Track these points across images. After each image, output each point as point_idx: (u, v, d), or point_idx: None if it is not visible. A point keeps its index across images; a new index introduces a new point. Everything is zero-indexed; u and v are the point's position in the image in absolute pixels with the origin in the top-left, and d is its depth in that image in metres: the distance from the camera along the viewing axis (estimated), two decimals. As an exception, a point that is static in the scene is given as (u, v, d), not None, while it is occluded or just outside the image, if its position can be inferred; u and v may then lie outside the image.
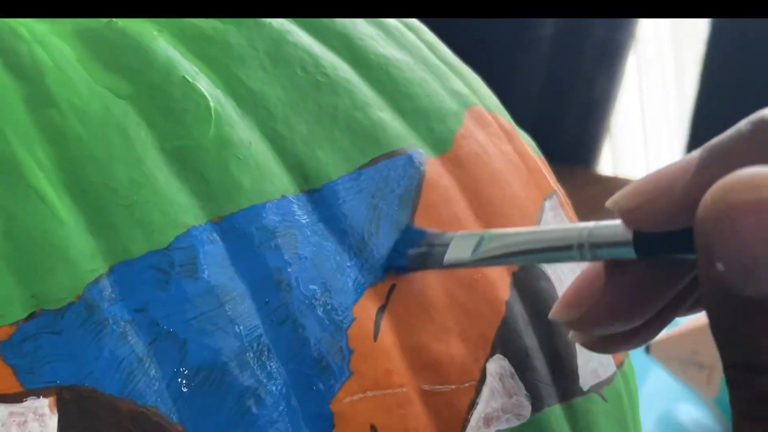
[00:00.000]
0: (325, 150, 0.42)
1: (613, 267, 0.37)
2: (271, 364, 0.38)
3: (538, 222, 0.46)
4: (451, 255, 0.40)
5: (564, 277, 0.45)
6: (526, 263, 0.43)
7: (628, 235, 0.34)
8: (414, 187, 0.42)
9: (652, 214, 0.33)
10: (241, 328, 0.38)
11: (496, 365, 0.42)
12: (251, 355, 0.38)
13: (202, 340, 0.37)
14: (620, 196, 0.34)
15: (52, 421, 0.35)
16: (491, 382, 0.41)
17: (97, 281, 0.37)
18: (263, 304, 0.38)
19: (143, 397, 0.36)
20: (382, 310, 0.40)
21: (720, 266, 0.29)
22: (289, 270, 0.39)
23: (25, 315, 0.36)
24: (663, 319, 0.38)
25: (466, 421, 0.41)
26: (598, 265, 0.37)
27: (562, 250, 0.36)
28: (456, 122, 0.46)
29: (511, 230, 0.40)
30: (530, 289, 0.44)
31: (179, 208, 0.39)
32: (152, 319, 0.37)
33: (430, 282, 0.41)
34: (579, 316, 0.37)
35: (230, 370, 0.37)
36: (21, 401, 0.35)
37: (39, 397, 0.36)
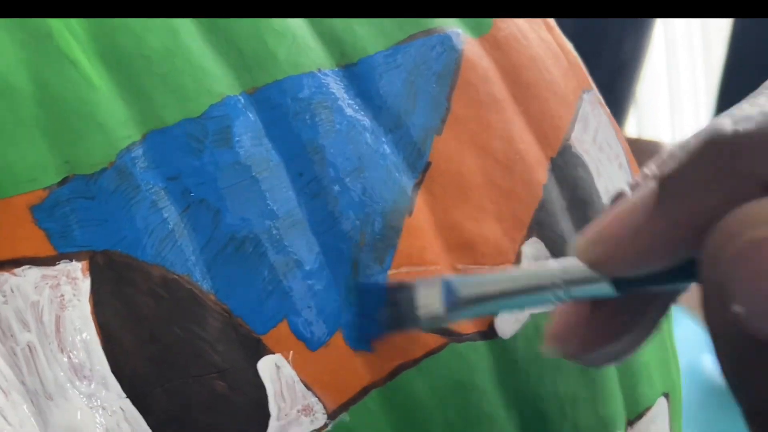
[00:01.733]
0: (363, 25, 0.41)
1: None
2: (305, 236, 0.38)
3: (576, 112, 0.45)
4: (423, 311, 0.36)
5: (602, 167, 0.45)
6: (502, 311, 0.40)
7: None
8: (452, 65, 0.42)
9: (622, 261, 0.31)
10: (274, 199, 0.38)
11: (532, 248, 0.42)
12: (284, 227, 0.38)
13: (234, 210, 0.37)
14: (584, 245, 0.32)
15: (85, 284, 0.36)
16: (526, 264, 0.41)
17: (130, 148, 0.37)
18: (297, 176, 0.38)
19: (176, 264, 0.36)
20: (417, 186, 0.40)
21: (737, 308, 0.27)
22: (323, 143, 0.39)
23: (58, 180, 0.36)
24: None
25: (500, 302, 0.40)
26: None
27: (537, 292, 0.34)
28: (495, 4, 0.45)
29: (478, 276, 0.37)
30: (568, 176, 0.44)
31: (214, 78, 0.38)
32: (185, 187, 0.37)
33: (467, 160, 0.41)
34: (572, 351, 0.35)
35: (263, 240, 0.37)
36: (54, 264, 0.36)
37: (72, 261, 0.36)
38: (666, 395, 0.48)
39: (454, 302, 0.35)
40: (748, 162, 0.28)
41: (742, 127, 0.28)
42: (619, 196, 0.32)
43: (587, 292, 0.32)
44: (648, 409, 0.46)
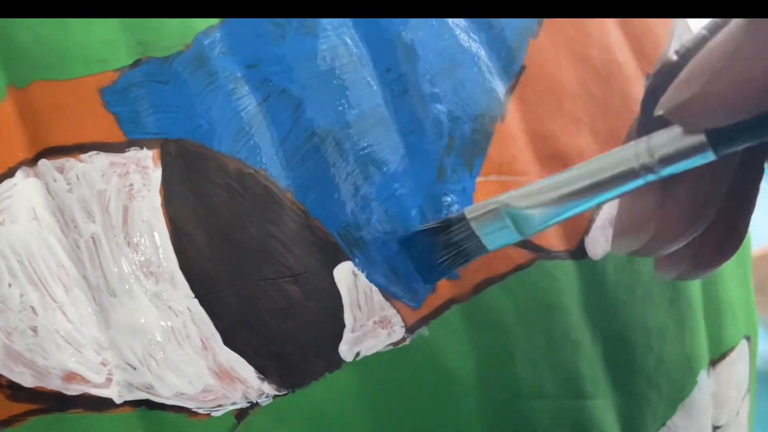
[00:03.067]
0: None
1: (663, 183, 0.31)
2: (390, 135, 0.35)
3: (672, 30, 0.42)
4: (490, 240, 0.34)
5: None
6: (584, 209, 0.34)
7: (697, 137, 0.29)
8: None
9: (717, 102, 0.27)
10: (359, 94, 0.35)
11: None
12: (369, 124, 0.35)
13: (317, 104, 0.35)
14: (670, 97, 0.29)
15: (156, 173, 0.33)
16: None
17: (207, 32, 0.34)
18: (384, 72, 0.36)
19: (252, 157, 0.34)
20: (510, 91, 0.37)
21: None
22: (413, 37, 0.36)
23: (130, 61, 0.34)
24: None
25: (591, 220, 0.38)
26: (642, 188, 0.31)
27: (623, 178, 0.30)
28: None
29: (538, 183, 0.33)
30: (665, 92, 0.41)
31: None
32: (265, 75, 0.34)
33: (563, 67, 0.38)
34: (642, 245, 0.32)
35: (344, 139, 0.35)
36: (123, 151, 0.33)
37: (142, 149, 0.33)
38: (747, 338, 0.45)
39: (526, 222, 0.33)
40: None
41: None
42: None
43: (683, 165, 0.29)
44: (731, 349, 0.44)
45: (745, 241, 0.44)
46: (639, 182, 0.30)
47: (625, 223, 0.32)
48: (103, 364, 0.33)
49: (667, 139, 0.29)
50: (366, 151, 0.35)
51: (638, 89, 0.40)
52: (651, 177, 0.30)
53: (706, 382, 0.41)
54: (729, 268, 0.43)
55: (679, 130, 0.29)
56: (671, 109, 0.29)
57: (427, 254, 0.35)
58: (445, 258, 0.35)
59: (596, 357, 0.38)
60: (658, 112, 0.29)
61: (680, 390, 0.40)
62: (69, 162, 0.33)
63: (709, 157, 0.29)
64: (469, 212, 0.34)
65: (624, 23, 0.40)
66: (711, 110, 0.28)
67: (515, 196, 0.33)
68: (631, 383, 0.39)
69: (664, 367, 0.39)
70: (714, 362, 0.42)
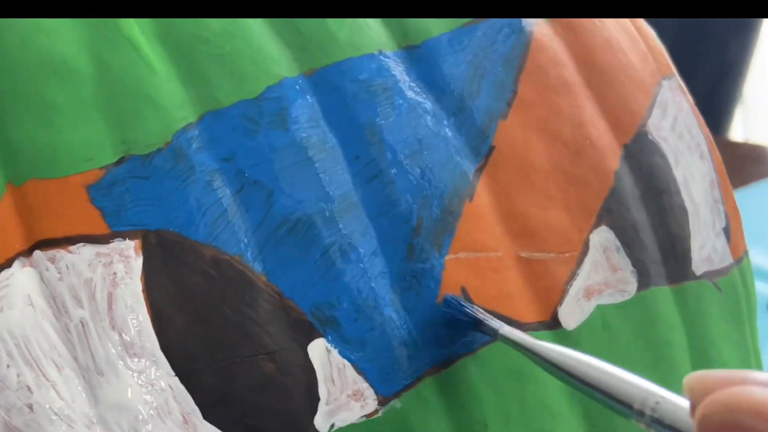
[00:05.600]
0: None
1: None
2: (360, 220, 0.38)
3: (653, 99, 0.44)
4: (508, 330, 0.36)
5: (681, 156, 0.44)
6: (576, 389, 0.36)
7: (690, 425, 0.30)
8: (521, 47, 0.41)
9: None
10: (329, 181, 0.38)
11: (601, 237, 0.41)
12: (339, 210, 0.37)
13: (288, 192, 0.37)
14: (693, 382, 0.30)
15: (137, 262, 0.36)
16: (594, 254, 0.40)
17: (185, 129, 0.37)
18: (354, 159, 0.38)
19: (228, 244, 0.37)
20: (479, 171, 0.39)
21: None
22: (382, 125, 0.38)
23: (114, 159, 0.37)
24: None
25: (565, 291, 0.40)
26: None
27: (619, 403, 0.32)
28: (570, -16, 0.44)
29: (564, 351, 0.35)
30: (643, 163, 0.42)
31: (271, 59, 0.39)
32: (239, 168, 0.37)
33: (533, 145, 0.40)
34: None
35: (316, 223, 0.37)
36: (107, 242, 0.36)
37: (125, 239, 0.36)
38: None
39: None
40: None
41: None
42: None
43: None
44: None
45: (741, 300, 0.45)
46: (628, 414, 0.32)
47: None
48: (92, 439, 0.36)
49: (673, 414, 0.31)
50: (337, 234, 0.37)
51: (613, 161, 0.41)
52: (637, 419, 0.32)
53: None
54: (721, 329, 0.44)
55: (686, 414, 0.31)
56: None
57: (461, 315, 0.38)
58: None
59: (575, 423, 0.39)
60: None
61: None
62: (59, 253, 0.36)
63: None
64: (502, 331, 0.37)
65: (599, 96, 0.42)
66: None
67: (545, 350, 0.35)
68: None
69: None
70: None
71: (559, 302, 0.39)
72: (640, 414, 0.32)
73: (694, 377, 0.30)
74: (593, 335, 0.39)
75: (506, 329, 0.36)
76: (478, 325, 0.37)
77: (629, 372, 0.33)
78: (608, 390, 0.33)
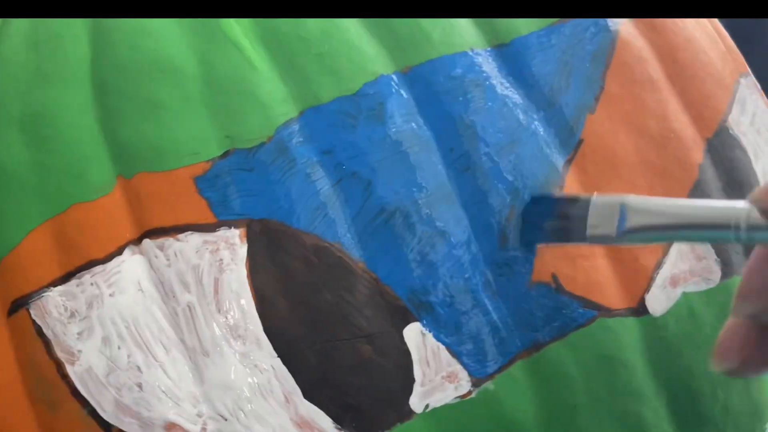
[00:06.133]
0: None
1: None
2: (453, 209, 0.39)
3: (733, 95, 0.44)
4: (593, 230, 0.36)
5: (759, 150, 0.44)
6: (673, 241, 0.38)
7: None
8: (607, 45, 0.42)
9: None
10: (424, 173, 0.38)
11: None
12: (434, 200, 0.38)
13: (385, 183, 0.38)
14: (761, 195, 0.31)
15: (242, 249, 0.38)
16: (680, 243, 0.41)
17: (287, 124, 0.39)
18: (448, 152, 0.39)
19: (327, 233, 0.38)
20: (568, 163, 0.40)
21: None
22: (474, 119, 0.39)
23: (219, 153, 0.38)
24: None
25: (652, 279, 0.40)
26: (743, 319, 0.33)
27: (716, 229, 0.32)
28: (653, -14, 0.45)
29: (658, 201, 0.35)
30: (725, 157, 0.43)
31: (368, 58, 0.40)
32: (338, 160, 0.38)
33: (620, 138, 0.41)
34: (736, 367, 0.33)
35: (412, 212, 0.38)
36: (214, 231, 0.38)
37: (231, 228, 0.38)
38: None
39: (627, 229, 0.35)
40: None
41: None
42: None
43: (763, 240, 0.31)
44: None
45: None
46: (726, 237, 0.33)
47: (754, 285, 0.33)
48: (199, 416, 0.37)
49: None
50: (431, 223, 0.38)
51: (697, 154, 0.42)
52: (733, 238, 0.32)
53: (778, 430, 0.42)
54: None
55: None
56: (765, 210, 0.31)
57: (541, 218, 0.38)
58: (551, 228, 0.38)
59: (661, 407, 0.40)
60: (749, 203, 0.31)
61: (750, 437, 0.41)
62: (168, 241, 0.38)
63: None
64: (596, 198, 0.37)
65: (682, 91, 0.42)
66: None
67: (635, 205, 0.35)
68: (700, 431, 0.40)
69: (732, 416, 0.41)
70: (787, 411, 0.43)
71: (647, 289, 0.40)
72: (737, 229, 0.31)
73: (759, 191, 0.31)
74: (679, 321, 0.40)
75: (601, 196, 0.37)
76: (568, 209, 0.37)
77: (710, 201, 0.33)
78: (705, 223, 0.33)
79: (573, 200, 0.37)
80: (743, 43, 0.47)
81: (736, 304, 0.33)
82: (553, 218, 0.38)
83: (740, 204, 0.32)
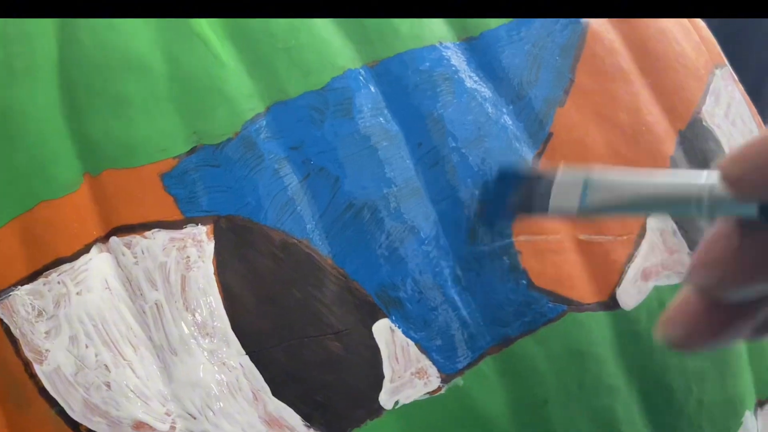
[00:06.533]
0: None
1: (745, 225, 0.31)
2: (422, 204, 0.38)
3: (707, 86, 0.44)
4: (556, 202, 0.35)
5: (734, 142, 0.44)
6: (637, 214, 0.37)
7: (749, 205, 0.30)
8: (577, 37, 0.41)
9: (760, 184, 0.29)
10: (392, 168, 0.38)
11: (658, 220, 0.41)
12: (402, 195, 0.38)
13: (354, 178, 0.38)
14: (727, 163, 0.29)
15: (209, 246, 0.37)
16: (651, 237, 0.40)
17: (254, 119, 0.38)
18: (416, 146, 0.39)
19: (295, 229, 0.37)
20: (538, 156, 0.40)
21: None
22: (443, 113, 0.39)
23: (187, 149, 0.38)
24: None
25: (623, 273, 0.40)
26: (728, 224, 0.32)
27: (678, 203, 0.32)
28: (624, -24, 0.44)
29: (620, 176, 0.34)
30: (697, 148, 0.42)
31: (336, 52, 0.39)
32: (306, 156, 0.38)
33: (590, 131, 0.40)
34: (717, 279, 0.32)
35: (380, 207, 0.38)
36: (181, 228, 0.37)
37: (198, 225, 0.37)
38: None
39: (589, 204, 0.34)
40: None
41: None
42: None
43: (732, 210, 0.31)
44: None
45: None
46: (689, 212, 0.32)
47: (708, 258, 0.33)
48: (167, 414, 0.36)
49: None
50: (400, 218, 0.38)
51: (668, 146, 0.41)
52: (695, 212, 0.31)
53: (752, 422, 0.42)
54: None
55: None
56: (730, 179, 0.30)
57: (505, 192, 0.38)
58: (515, 201, 0.37)
59: (633, 401, 0.39)
60: (715, 173, 0.31)
61: (725, 430, 0.41)
62: (135, 239, 0.37)
63: (753, 215, 0.30)
64: (560, 172, 0.36)
65: (654, 83, 0.42)
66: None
67: (598, 181, 0.34)
68: (673, 426, 0.40)
69: (706, 409, 0.40)
70: (762, 402, 0.43)
71: (618, 283, 0.39)
72: (700, 203, 0.31)
73: (725, 160, 0.29)
74: (651, 315, 0.40)
75: (566, 170, 0.36)
76: (532, 183, 0.37)
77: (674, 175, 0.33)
78: (667, 198, 0.32)
79: (537, 174, 0.37)
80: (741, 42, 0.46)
81: (689, 274, 0.32)
82: (516, 191, 0.38)
83: (703, 178, 0.31)
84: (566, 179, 0.35)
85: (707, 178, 0.31)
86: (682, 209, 0.32)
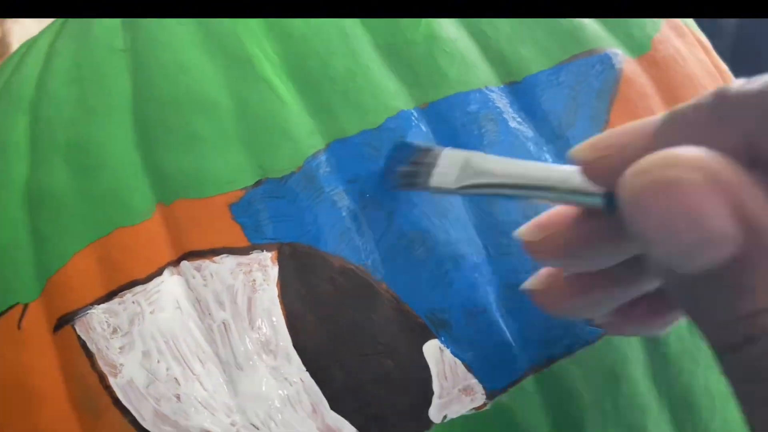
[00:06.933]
0: (527, 46, 0.44)
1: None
2: (469, 233, 0.41)
3: None
4: (436, 180, 0.38)
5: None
6: (513, 198, 0.39)
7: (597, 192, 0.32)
8: (612, 82, 0.44)
9: (606, 170, 0.31)
10: (442, 201, 0.40)
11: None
12: (451, 225, 0.40)
13: (406, 210, 0.40)
14: (580, 148, 0.32)
15: (274, 271, 0.40)
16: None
17: (315, 155, 0.41)
18: None
19: (352, 255, 0.40)
20: (575, 193, 0.43)
21: (652, 249, 0.27)
22: (488, 151, 0.41)
23: (252, 182, 0.40)
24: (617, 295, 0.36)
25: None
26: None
27: (540, 189, 0.34)
28: (653, 28, 0.47)
29: (499, 162, 0.37)
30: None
31: (389, 94, 0.42)
32: (362, 189, 0.40)
33: (623, 170, 0.43)
34: (541, 238, 0.35)
35: (430, 237, 0.40)
36: (247, 254, 0.40)
37: (263, 251, 0.40)
38: None
39: (467, 185, 0.37)
40: (737, 117, 0.28)
41: (747, 87, 0.28)
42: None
43: (582, 200, 0.33)
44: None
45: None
46: (561, 199, 0.34)
47: (554, 242, 0.35)
48: (232, 425, 0.39)
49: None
50: (449, 247, 0.41)
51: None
52: (566, 200, 0.34)
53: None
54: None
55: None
56: (580, 163, 0.32)
57: (397, 163, 0.40)
58: (402, 173, 0.40)
59: (664, 420, 0.42)
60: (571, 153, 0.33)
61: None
62: (205, 263, 0.40)
63: (599, 204, 0.32)
64: (446, 151, 0.39)
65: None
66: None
67: (477, 163, 0.37)
68: None
69: (729, 427, 0.43)
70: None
71: (649, 310, 0.42)
72: (567, 191, 0.33)
73: (580, 145, 0.32)
74: (680, 339, 0.41)
75: (450, 150, 0.39)
76: (421, 158, 0.39)
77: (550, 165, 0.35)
78: (540, 185, 0.34)
79: (427, 150, 0.39)
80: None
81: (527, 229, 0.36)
82: (406, 165, 0.40)
83: (565, 168, 0.34)
84: (449, 158, 0.38)
85: (570, 170, 0.33)
86: (551, 194, 0.34)
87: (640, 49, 0.46)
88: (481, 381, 0.40)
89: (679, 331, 0.42)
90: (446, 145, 0.41)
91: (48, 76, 0.46)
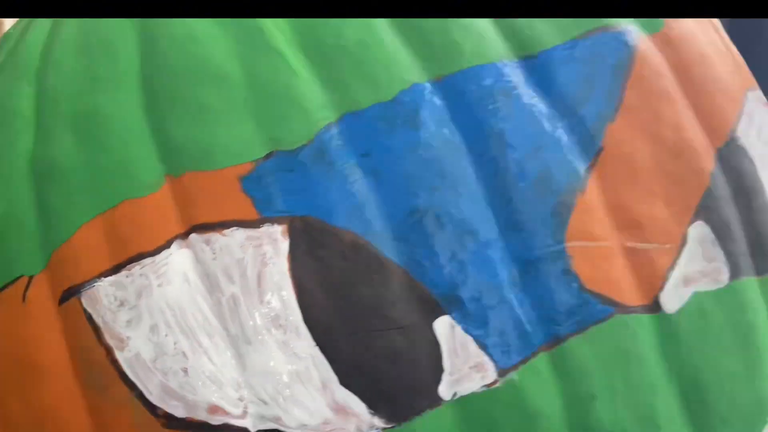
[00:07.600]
0: (543, 21, 0.43)
1: None
2: (482, 209, 0.40)
3: (741, 108, 0.46)
4: None
5: (765, 160, 0.46)
6: None
7: None
8: (626, 59, 0.43)
9: None
10: (455, 176, 0.39)
11: (698, 231, 0.42)
12: (463, 201, 0.39)
13: (419, 185, 0.39)
14: None
15: (284, 245, 0.39)
16: (692, 245, 0.42)
17: (327, 128, 0.40)
18: (477, 156, 0.40)
19: (364, 230, 0.39)
20: (589, 169, 0.42)
21: None
22: (503, 126, 0.40)
23: (263, 154, 0.39)
24: None
25: (666, 278, 0.42)
26: None
27: None
28: (670, 4, 0.46)
29: None
30: (734, 165, 0.44)
31: (403, 67, 0.41)
32: (374, 163, 0.39)
33: (638, 146, 0.42)
34: None
35: (442, 213, 0.39)
36: (258, 227, 0.39)
37: (273, 225, 0.39)
38: None
39: None
40: None
41: None
42: None
43: None
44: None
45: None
46: None
47: None
48: (240, 400, 0.38)
49: None
50: (461, 223, 0.39)
51: (708, 162, 0.43)
52: None
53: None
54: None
55: None
56: None
57: None
58: None
59: (672, 399, 0.41)
60: None
61: (752, 428, 0.43)
62: (214, 236, 0.39)
63: None
64: None
65: (695, 104, 0.44)
66: None
67: None
68: (707, 422, 0.42)
69: (737, 408, 0.42)
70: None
71: (661, 288, 0.41)
72: None
73: None
74: (691, 318, 0.41)
75: None
76: None
77: None
78: None
79: None
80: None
81: None
82: None
83: None
84: None
85: None
86: None
87: (654, 27, 0.45)
88: (492, 358, 0.39)
89: (690, 309, 0.41)
90: (460, 118, 0.40)
91: (54, 45, 0.45)
